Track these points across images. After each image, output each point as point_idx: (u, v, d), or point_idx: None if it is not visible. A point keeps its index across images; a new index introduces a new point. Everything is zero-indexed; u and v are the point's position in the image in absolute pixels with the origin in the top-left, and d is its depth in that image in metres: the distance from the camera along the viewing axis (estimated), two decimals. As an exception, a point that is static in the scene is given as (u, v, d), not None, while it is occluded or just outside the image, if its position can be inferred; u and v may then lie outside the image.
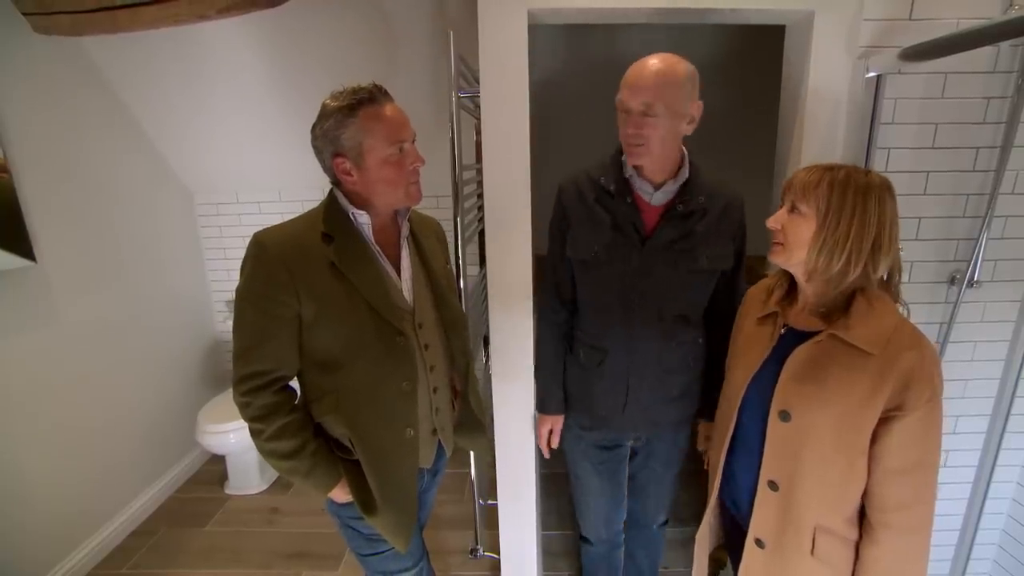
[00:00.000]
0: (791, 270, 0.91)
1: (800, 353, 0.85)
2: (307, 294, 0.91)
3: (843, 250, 0.80)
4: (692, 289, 1.18)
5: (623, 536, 1.50)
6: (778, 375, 0.88)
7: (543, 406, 1.35)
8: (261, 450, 0.97)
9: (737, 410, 0.95)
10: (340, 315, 0.94)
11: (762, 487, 0.91)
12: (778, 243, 0.88)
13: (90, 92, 1.97)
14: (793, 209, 0.85)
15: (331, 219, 0.96)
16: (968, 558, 1.60)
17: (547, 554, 1.91)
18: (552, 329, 1.30)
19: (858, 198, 0.80)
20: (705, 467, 1.15)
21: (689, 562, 1.88)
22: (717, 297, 1.22)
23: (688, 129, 1.07)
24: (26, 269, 1.71)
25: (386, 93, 0.95)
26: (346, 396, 0.97)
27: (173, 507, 2.29)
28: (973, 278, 1.38)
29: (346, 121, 0.90)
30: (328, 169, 0.96)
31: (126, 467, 2.14)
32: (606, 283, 1.18)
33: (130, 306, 2.18)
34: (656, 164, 1.10)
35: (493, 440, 1.43)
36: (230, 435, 2.18)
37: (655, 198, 1.14)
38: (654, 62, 1.02)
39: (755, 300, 1.03)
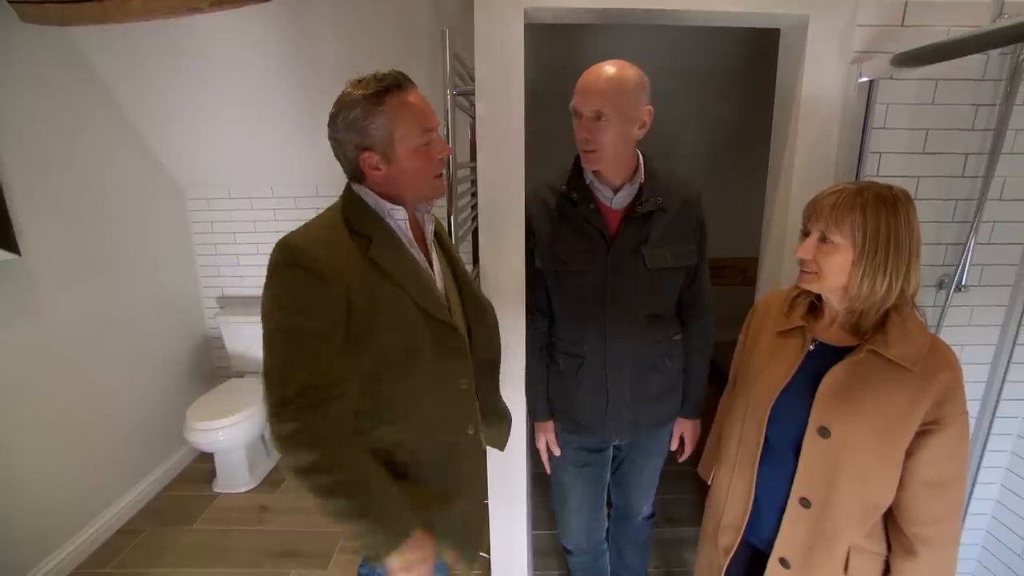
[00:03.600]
0: (824, 294, 0.89)
1: (839, 370, 0.84)
2: (356, 299, 0.83)
3: (884, 275, 0.79)
4: (661, 287, 1.20)
5: (605, 545, 1.51)
6: (809, 390, 0.86)
7: (535, 414, 1.35)
8: (314, 487, 0.79)
9: (765, 425, 0.92)
10: (392, 319, 0.86)
11: (792, 504, 0.88)
12: (811, 272, 0.85)
13: (79, 84, 1.94)
14: (824, 239, 0.82)
15: (361, 219, 0.88)
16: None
17: (538, 554, 1.91)
18: (534, 338, 1.32)
19: (891, 220, 0.78)
20: (708, 482, 1.11)
21: (679, 563, 1.90)
22: (683, 292, 1.25)
23: (639, 133, 1.10)
24: (10, 262, 1.67)
25: (409, 79, 0.89)
26: (403, 405, 0.91)
27: (160, 505, 2.26)
28: (961, 282, 1.40)
29: (374, 110, 0.83)
30: (351, 163, 0.88)
31: (112, 464, 2.12)
32: (578, 290, 1.20)
33: (118, 301, 2.15)
34: (611, 167, 1.13)
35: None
36: (219, 432, 2.16)
37: (615, 201, 1.17)
38: (605, 68, 1.06)
39: (772, 312, 0.99)
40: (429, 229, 1.00)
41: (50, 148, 1.84)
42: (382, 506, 0.83)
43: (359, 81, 0.86)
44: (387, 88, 0.84)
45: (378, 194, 0.90)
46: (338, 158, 0.90)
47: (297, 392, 0.78)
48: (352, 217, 0.88)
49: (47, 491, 1.82)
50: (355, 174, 0.91)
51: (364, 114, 0.84)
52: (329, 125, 0.88)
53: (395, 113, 0.84)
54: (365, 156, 0.86)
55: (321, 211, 0.93)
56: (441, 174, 0.94)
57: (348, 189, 0.92)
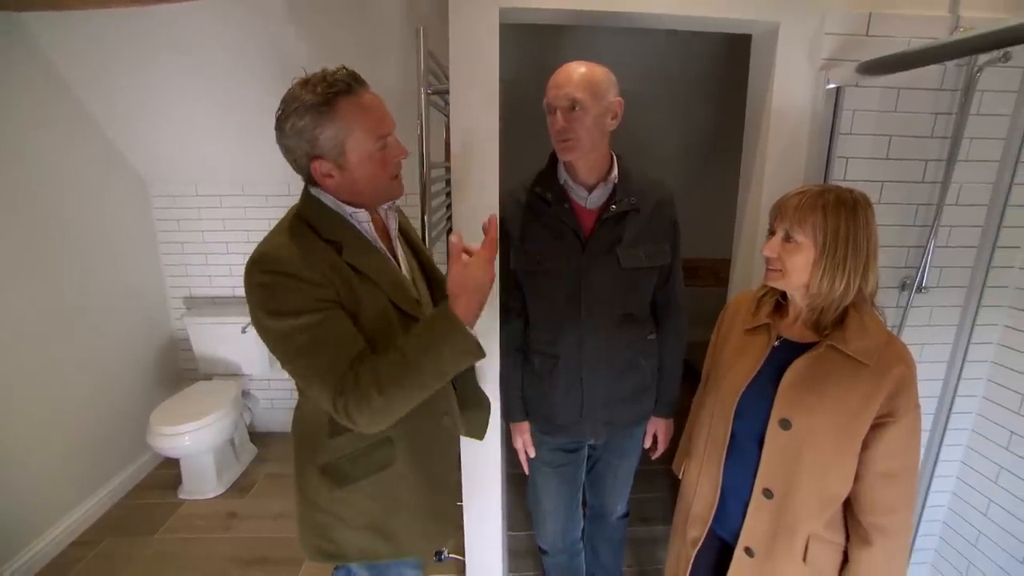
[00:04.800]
0: (789, 292, 0.92)
1: (800, 364, 0.87)
2: (343, 300, 0.84)
3: (843, 273, 0.83)
4: (635, 287, 1.22)
5: (580, 545, 1.52)
6: (773, 385, 0.89)
7: (509, 415, 1.35)
8: (406, 395, 0.82)
9: (731, 420, 0.95)
10: (371, 317, 0.87)
11: (756, 495, 0.92)
12: (776, 270, 0.89)
13: (34, 75, 1.85)
14: (788, 238, 0.86)
15: (326, 224, 0.87)
16: (911, 549, 1.69)
17: (513, 555, 1.90)
18: (509, 338, 1.32)
19: (850, 221, 0.82)
20: (679, 477, 1.14)
21: (652, 561, 1.92)
22: (656, 292, 1.27)
23: (612, 124, 1.13)
24: (-44, 260, 1.59)
25: (360, 80, 0.85)
26: None
27: (120, 514, 2.16)
28: (922, 284, 1.45)
29: (322, 119, 0.79)
30: (303, 170, 0.87)
31: (67, 472, 2.02)
32: (552, 290, 1.21)
33: (75, 301, 2.05)
34: (587, 160, 1.15)
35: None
36: (184, 437, 2.08)
37: (590, 201, 1.18)
38: (575, 65, 1.10)
39: (741, 311, 1.03)
40: (393, 225, 1.00)
41: (2, 140, 1.75)
42: (428, 343, 0.82)
43: (306, 82, 0.81)
44: (336, 93, 0.80)
45: (336, 198, 0.89)
46: (290, 163, 0.87)
47: (336, 390, 0.80)
48: (316, 223, 0.87)
49: (-5, 502, 1.73)
50: (309, 180, 0.89)
51: (313, 123, 0.80)
52: (276, 129, 0.83)
53: (346, 121, 0.81)
54: (316, 165, 0.84)
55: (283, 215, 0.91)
56: (398, 175, 0.92)
57: (306, 192, 0.90)
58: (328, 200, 0.89)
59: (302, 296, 0.80)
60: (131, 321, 2.38)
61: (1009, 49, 1.26)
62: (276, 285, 0.80)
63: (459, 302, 0.81)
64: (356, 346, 0.83)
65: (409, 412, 0.90)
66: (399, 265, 0.98)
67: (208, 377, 2.53)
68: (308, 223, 0.87)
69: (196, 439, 2.11)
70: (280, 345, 0.82)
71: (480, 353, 0.84)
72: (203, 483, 2.26)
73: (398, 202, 1.01)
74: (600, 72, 1.09)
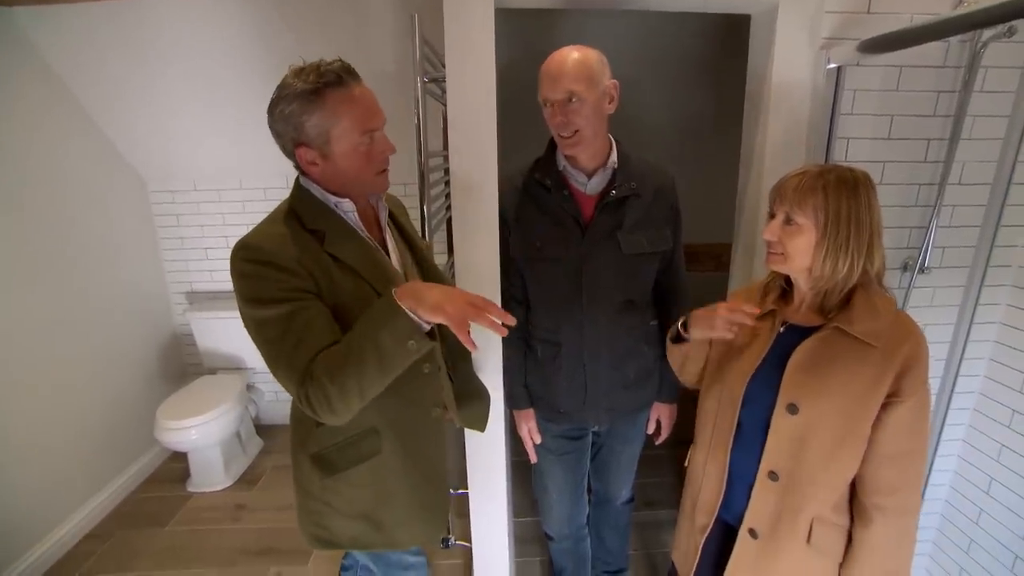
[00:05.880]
0: (792, 276, 0.91)
1: (806, 346, 0.86)
2: (322, 290, 0.84)
3: (846, 254, 0.82)
4: (636, 273, 1.21)
5: (586, 530, 1.53)
6: (779, 370, 0.88)
7: (514, 403, 1.35)
8: (355, 383, 0.79)
9: (739, 407, 0.94)
10: (354, 309, 0.86)
11: (761, 477, 0.91)
12: (777, 254, 0.87)
13: (25, 69, 1.84)
14: (789, 221, 0.85)
15: (311, 214, 0.88)
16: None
17: (519, 541, 1.92)
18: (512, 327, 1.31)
19: (852, 201, 0.81)
20: (685, 465, 1.14)
21: (658, 545, 1.94)
22: (659, 278, 1.26)
23: (611, 108, 1.11)
24: (-42, 260, 1.59)
25: (353, 73, 0.86)
26: None
27: (130, 508, 2.19)
28: (924, 264, 1.44)
29: (310, 107, 0.81)
30: (289, 155, 0.88)
31: (77, 468, 2.04)
32: (552, 277, 1.20)
33: (76, 300, 2.06)
34: (589, 148, 1.14)
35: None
36: (191, 431, 2.10)
37: (589, 187, 1.17)
38: (566, 52, 1.08)
39: (748, 300, 1.02)
40: (383, 215, 1.00)
41: (-3, 138, 1.74)
42: (369, 329, 0.80)
43: (300, 70, 0.83)
44: (327, 84, 0.81)
45: (322, 187, 0.90)
46: (280, 148, 0.89)
47: (299, 380, 0.80)
48: (302, 212, 0.88)
49: (4, 499, 1.74)
50: (296, 167, 0.90)
51: (300, 110, 0.81)
52: (268, 113, 0.85)
53: (333, 111, 0.82)
54: (300, 151, 0.85)
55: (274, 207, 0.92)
56: (384, 171, 0.92)
57: (296, 183, 0.92)
58: (315, 190, 0.90)
59: (276, 285, 0.81)
60: (134, 318, 2.39)
61: (1014, 23, 1.24)
62: (253, 273, 0.82)
63: (407, 292, 0.79)
64: (326, 337, 0.82)
65: (394, 403, 0.90)
66: (389, 255, 0.98)
67: (212, 371, 2.55)
68: (295, 213, 0.88)
69: (203, 433, 2.13)
70: (253, 332, 0.83)
71: (426, 341, 0.80)
72: (211, 476, 2.29)
73: (398, 193, 1.01)
74: (593, 56, 1.07)
